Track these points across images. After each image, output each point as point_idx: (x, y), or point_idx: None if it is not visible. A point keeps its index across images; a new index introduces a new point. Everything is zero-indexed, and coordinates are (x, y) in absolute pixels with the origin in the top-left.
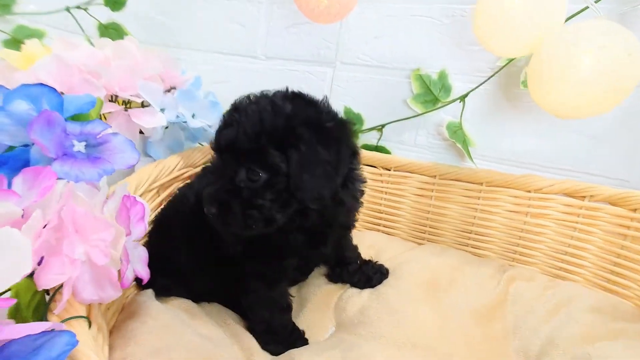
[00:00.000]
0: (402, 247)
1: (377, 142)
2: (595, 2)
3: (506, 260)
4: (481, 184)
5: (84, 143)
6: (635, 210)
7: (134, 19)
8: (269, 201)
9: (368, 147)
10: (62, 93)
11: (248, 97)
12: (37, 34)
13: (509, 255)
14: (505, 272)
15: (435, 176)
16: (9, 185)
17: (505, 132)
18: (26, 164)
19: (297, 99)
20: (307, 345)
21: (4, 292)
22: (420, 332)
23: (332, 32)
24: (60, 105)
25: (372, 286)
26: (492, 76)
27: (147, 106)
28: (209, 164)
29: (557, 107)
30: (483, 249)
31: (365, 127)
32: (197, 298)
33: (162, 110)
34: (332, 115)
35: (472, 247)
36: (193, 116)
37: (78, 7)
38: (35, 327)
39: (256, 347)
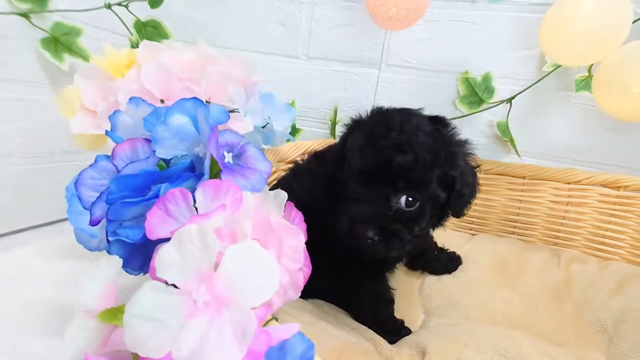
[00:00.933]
0: (459, 238)
1: None
2: None
3: (550, 245)
4: (524, 177)
5: (231, 154)
6: None
7: (167, 16)
8: (422, 226)
9: None
10: (162, 101)
11: (397, 112)
12: (75, 32)
13: (552, 240)
14: (560, 255)
15: (481, 171)
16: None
17: (545, 130)
18: (184, 177)
19: (442, 122)
20: (412, 333)
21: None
22: (511, 312)
23: (378, 34)
24: (209, 117)
25: (449, 272)
26: (540, 80)
27: (235, 112)
28: (299, 162)
29: (623, 112)
30: (528, 235)
31: None
32: (303, 296)
33: (245, 114)
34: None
35: (517, 235)
36: (269, 119)
37: (119, 4)
38: (283, 330)
39: (377, 337)
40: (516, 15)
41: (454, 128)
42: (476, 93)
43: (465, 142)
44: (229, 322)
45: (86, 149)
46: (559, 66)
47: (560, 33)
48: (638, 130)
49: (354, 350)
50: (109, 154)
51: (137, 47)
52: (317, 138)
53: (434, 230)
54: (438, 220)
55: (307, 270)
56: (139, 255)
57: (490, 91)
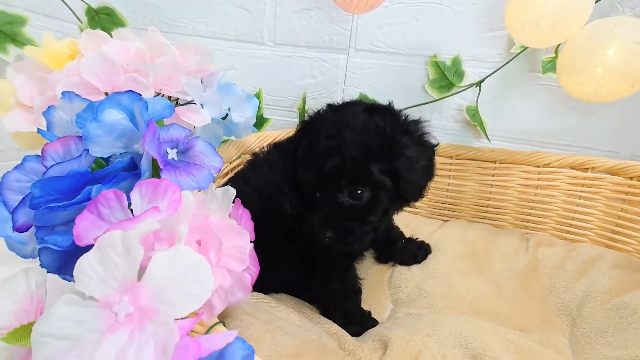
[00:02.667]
0: (431, 225)
1: None
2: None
3: (521, 229)
4: (495, 161)
5: (175, 150)
6: (632, 178)
7: (123, 1)
8: (376, 215)
9: None
10: (107, 94)
11: (335, 111)
12: (18, 21)
13: (522, 224)
14: (529, 239)
15: (452, 157)
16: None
17: (514, 113)
18: (120, 177)
19: (380, 110)
20: (378, 325)
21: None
22: (478, 299)
23: (345, 18)
24: (145, 112)
25: (419, 262)
26: (508, 62)
27: (190, 103)
28: (257, 153)
29: (587, 93)
30: (499, 220)
31: None
32: (266, 290)
33: (201, 106)
34: (408, 119)
35: (489, 220)
36: (229, 111)
37: None
38: (218, 338)
39: (341, 331)
40: None
41: (398, 114)
42: (446, 77)
43: (417, 122)
44: (151, 337)
45: (26, 148)
46: (526, 48)
47: (525, 14)
48: (604, 111)
49: (313, 350)
50: None
51: None
52: (286, 127)
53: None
54: (398, 206)
55: (255, 270)
56: (74, 262)
57: (460, 75)
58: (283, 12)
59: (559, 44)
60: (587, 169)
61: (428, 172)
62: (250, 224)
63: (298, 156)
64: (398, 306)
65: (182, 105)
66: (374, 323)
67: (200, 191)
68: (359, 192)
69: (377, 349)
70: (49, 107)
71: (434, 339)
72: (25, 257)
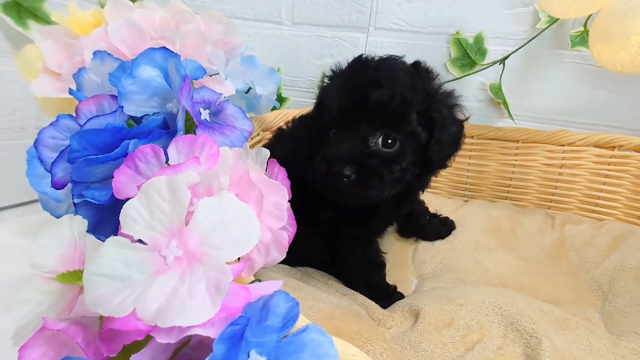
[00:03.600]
0: (452, 204)
1: None
2: None
3: (544, 208)
4: (517, 141)
5: (207, 111)
6: None
7: None
8: (402, 168)
9: None
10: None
11: (369, 58)
12: None
13: (545, 204)
14: (554, 217)
15: (473, 136)
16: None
17: (538, 91)
18: (156, 134)
19: (424, 69)
20: (405, 297)
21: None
22: (506, 273)
23: None
24: (181, 68)
25: (442, 237)
26: (533, 38)
27: (214, 74)
28: (283, 127)
29: (621, 63)
30: (522, 200)
31: None
32: (292, 264)
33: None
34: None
35: (510, 200)
36: (252, 84)
37: None
38: (265, 286)
39: (369, 302)
40: None
41: (437, 76)
42: (468, 55)
43: (450, 93)
44: (202, 277)
45: (52, 115)
46: (554, 21)
47: None
48: (631, 89)
49: (345, 314)
50: None
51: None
52: (303, 107)
53: (423, 191)
54: (421, 171)
55: (292, 230)
56: (110, 221)
57: (482, 53)
58: None
59: (589, 17)
60: (613, 147)
61: (456, 142)
62: (287, 182)
63: (326, 89)
64: (423, 281)
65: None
66: (400, 296)
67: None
68: (390, 139)
69: (407, 318)
70: (80, 69)
71: (466, 308)
72: (59, 216)
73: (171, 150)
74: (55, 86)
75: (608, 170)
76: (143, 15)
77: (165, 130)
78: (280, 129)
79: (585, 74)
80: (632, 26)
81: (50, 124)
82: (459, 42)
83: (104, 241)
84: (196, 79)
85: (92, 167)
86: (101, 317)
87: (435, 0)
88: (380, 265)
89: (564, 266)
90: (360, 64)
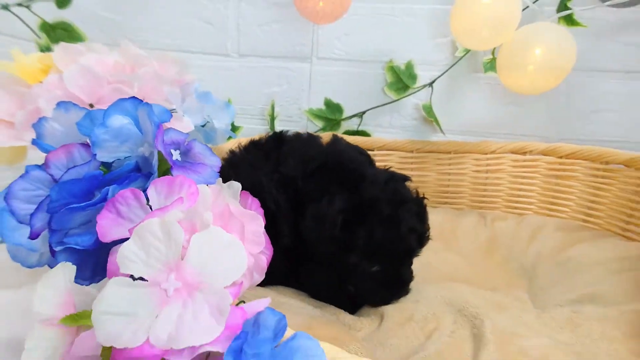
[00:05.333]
0: None
1: (358, 127)
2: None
3: (477, 209)
4: (450, 152)
5: (178, 151)
6: (561, 157)
7: (78, 16)
8: None
9: (350, 132)
10: (91, 105)
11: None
12: None
13: (477, 205)
14: (485, 217)
15: (412, 151)
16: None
17: (463, 108)
18: (133, 177)
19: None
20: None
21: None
22: (452, 270)
23: (306, 29)
24: (153, 115)
25: None
26: (454, 64)
27: (173, 112)
28: (234, 151)
29: (522, 87)
30: (458, 203)
31: (345, 115)
32: (264, 284)
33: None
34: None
35: (449, 204)
36: (209, 118)
37: (19, 5)
38: (255, 304)
39: (339, 310)
40: (430, 7)
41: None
42: (401, 80)
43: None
44: (205, 303)
45: (6, 164)
46: (469, 51)
47: (466, 21)
48: (536, 104)
49: (320, 323)
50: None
51: (48, 50)
52: (257, 134)
53: None
54: None
55: (269, 252)
56: (90, 264)
57: (413, 77)
58: (246, 25)
59: (495, 47)
60: (525, 152)
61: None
62: (261, 211)
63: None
64: None
65: None
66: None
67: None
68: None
69: (374, 320)
70: (40, 118)
71: (422, 303)
72: (30, 266)
73: (151, 192)
74: (8, 135)
75: (523, 172)
76: (97, 60)
77: (139, 173)
78: (232, 152)
79: (497, 92)
80: (528, 57)
81: (20, 177)
82: (393, 69)
83: (83, 285)
84: (164, 122)
85: (73, 215)
86: (104, 353)
87: (369, 33)
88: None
89: (497, 258)
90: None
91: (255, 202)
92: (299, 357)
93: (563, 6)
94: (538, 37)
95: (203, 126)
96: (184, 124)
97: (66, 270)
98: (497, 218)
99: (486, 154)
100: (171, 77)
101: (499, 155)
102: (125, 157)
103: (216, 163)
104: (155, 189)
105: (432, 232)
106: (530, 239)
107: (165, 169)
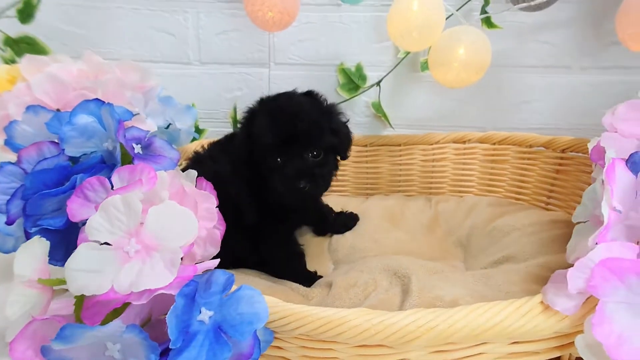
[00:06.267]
0: (357, 201)
1: None
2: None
3: (426, 195)
4: (400, 145)
5: (139, 145)
6: (494, 143)
7: (40, 31)
8: (329, 170)
9: None
10: (59, 110)
11: (282, 96)
12: None
13: (426, 191)
14: (431, 200)
15: (366, 145)
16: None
17: (408, 104)
18: (99, 168)
19: (313, 95)
20: (322, 278)
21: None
22: (399, 246)
23: (263, 37)
24: (114, 113)
25: (350, 228)
26: (397, 65)
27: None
28: (199, 151)
29: (449, 81)
30: (409, 191)
31: None
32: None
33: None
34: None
35: (401, 192)
36: (172, 120)
37: None
38: (205, 264)
39: (296, 284)
40: (373, 15)
41: (321, 96)
42: (352, 80)
43: (333, 105)
44: (160, 259)
45: None
46: (409, 53)
47: (400, 26)
48: (472, 98)
49: (277, 291)
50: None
51: (13, 63)
52: (221, 135)
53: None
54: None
55: (222, 228)
56: (62, 246)
57: (363, 78)
58: (205, 34)
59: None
60: (464, 141)
61: (349, 137)
62: (214, 192)
63: (255, 130)
64: (338, 264)
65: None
66: (320, 278)
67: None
68: (316, 152)
69: (324, 289)
70: (11, 122)
71: (366, 272)
72: (6, 251)
73: (114, 179)
74: None
75: (464, 159)
76: (62, 68)
77: (104, 164)
78: (196, 152)
79: (436, 89)
80: (452, 55)
81: None
82: (344, 71)
83: (55, 265)
84: (125, 121)
85: (45, 201)
86: (77, 306)
87: (321, 39)
88: (300, 254)
89: (438, 233)
90: (277, 106)
91: (209, 185)
92: (244, 303)
93: (483, 10)
94: (460, 38)
95: (167, 128)
96: (146, 125)
97: (42, 243)
98: (441, 200)
99: (432, 144)
100: (133, 83)
101: (443, 145)
102: (92, 152)
103: (175, 155)
104: (119, 176)
105: (384, 214)
106: (466, 215)
107: (128, 161)
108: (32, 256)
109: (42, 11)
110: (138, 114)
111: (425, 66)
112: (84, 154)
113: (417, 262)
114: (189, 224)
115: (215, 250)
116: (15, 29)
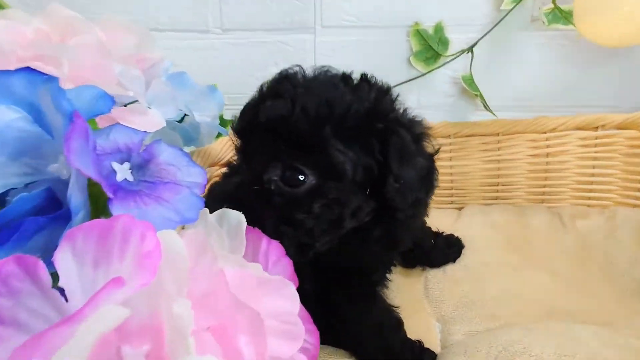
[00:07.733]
0: (445, 216)
1: None
2: None
3: (537, 204)
4: (497, 134)
5: (127, 165)
6: None
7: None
8: (313, 217)
9: None
10: None
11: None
12: None
13: (538, 197)
14: (560, 213)
15: (449, 136)
16: (51, 268)
17: (510, 78)
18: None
19: (367, 80)
20: (438, 356)
21: None
22: (542, 297)
23: None
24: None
25: (453, 261)
26: (500, 21)
27: (130, 103)
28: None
29: (611, 37)
30: (513, 197)
31: None
32: None
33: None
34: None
35: (501, 199)
36: (187, 109)
37: None
38: None
39: None
40: None
41: (389, 93)
42: (431, 47)
43: (416, 120)
44: None
45: None
46: (520, 1)
47: None
48: (600, 67)
49: None
50: None
51: None
52: None
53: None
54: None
55: (314, 340)
56: None
57: (445, 43)
58: None
59: None
60: (596, 127)
61: (426, 180)
62: (289, 265)
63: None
64: (448, 325)
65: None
66: (430, 356)
67: (185, 227)
68: (298, 174)
69: None
70: None
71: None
72: None
73: (63, 258)
74: None
75: (596, 152)
76: (6, 28)
77: (49, 214)
78: (231, 165)
79: (554, 54)
80: None
81: None
82: (419, 34)
83: None
84: (100, 114)
85: None
86: None
87: None
88: (396, 326)
89: (594, 270)
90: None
91: (275, 249)
92: None
93: None
94: None
95: (180, 122)
96: (149, 118)
97: None
98: (576, 215)
99: (545, 132)
100: (125, 52)
101: (562, 134)
102: (28, 185)
103: (199, 179)
104: (73, 250)
105: (497, 238)
106: (636, 240)
107: (102, 204)
108: None
109: None
110: (135, 100)
111: (552, 18)
112: (13, 189)
113: (603, 334)
114: None
115: None
116: None
